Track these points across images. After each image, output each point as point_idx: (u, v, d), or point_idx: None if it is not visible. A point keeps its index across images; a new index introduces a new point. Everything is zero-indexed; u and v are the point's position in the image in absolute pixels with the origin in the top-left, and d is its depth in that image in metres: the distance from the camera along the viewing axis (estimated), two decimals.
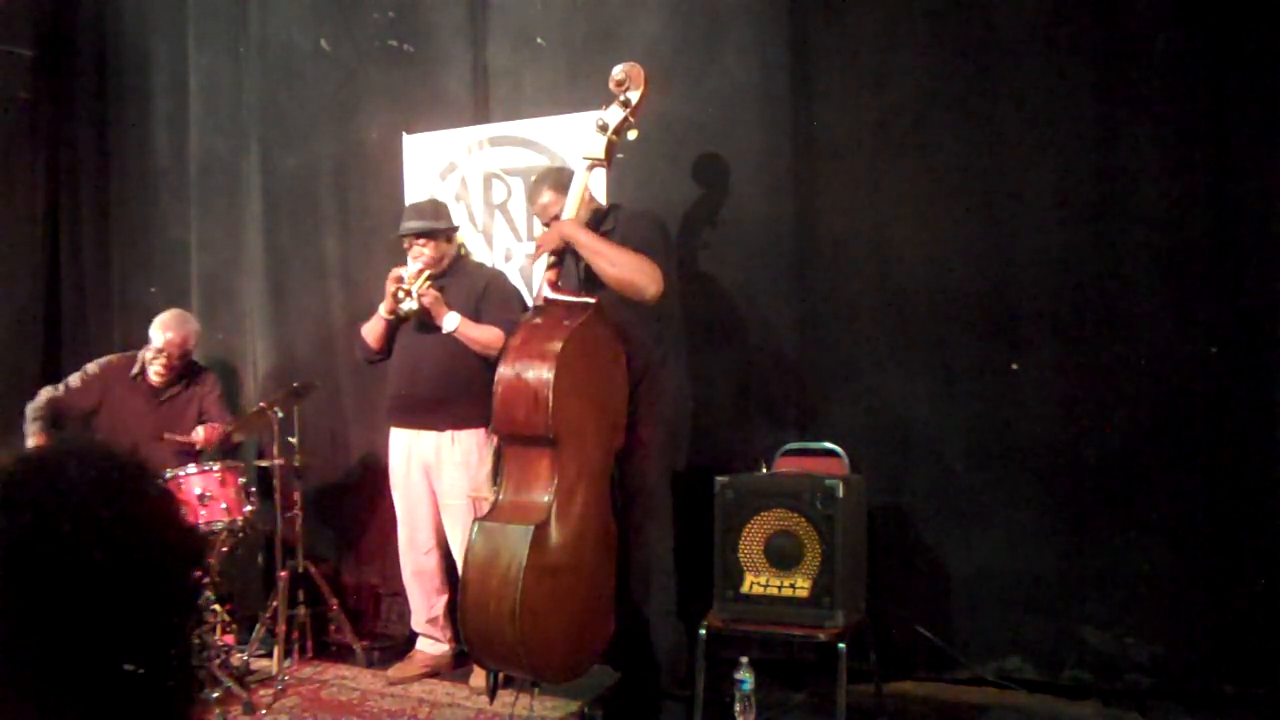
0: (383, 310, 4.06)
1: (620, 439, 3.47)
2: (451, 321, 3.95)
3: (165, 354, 4.48)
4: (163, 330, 4.50)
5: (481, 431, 4.02)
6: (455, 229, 4.19)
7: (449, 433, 4.04)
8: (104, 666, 1.02)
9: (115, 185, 5.66)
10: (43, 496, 1.03)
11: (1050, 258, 3.66)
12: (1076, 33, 3.61)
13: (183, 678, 1.09)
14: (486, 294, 4.06)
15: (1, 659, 1.01)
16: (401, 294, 3.96)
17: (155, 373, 4.51)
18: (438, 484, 4.09)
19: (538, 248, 3.56)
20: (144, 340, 4.65)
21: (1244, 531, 3.46)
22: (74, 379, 4.58)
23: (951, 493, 3.80)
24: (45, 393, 4.52)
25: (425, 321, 4.00)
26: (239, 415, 4.65)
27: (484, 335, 3.95)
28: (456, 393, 4.00)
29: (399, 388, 4.14)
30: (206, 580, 3.87)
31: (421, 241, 4.03)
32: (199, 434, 4.45)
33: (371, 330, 4.15)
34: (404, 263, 4.08)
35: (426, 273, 4.00)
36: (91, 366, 4.61)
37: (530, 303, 4.33)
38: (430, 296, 3.94)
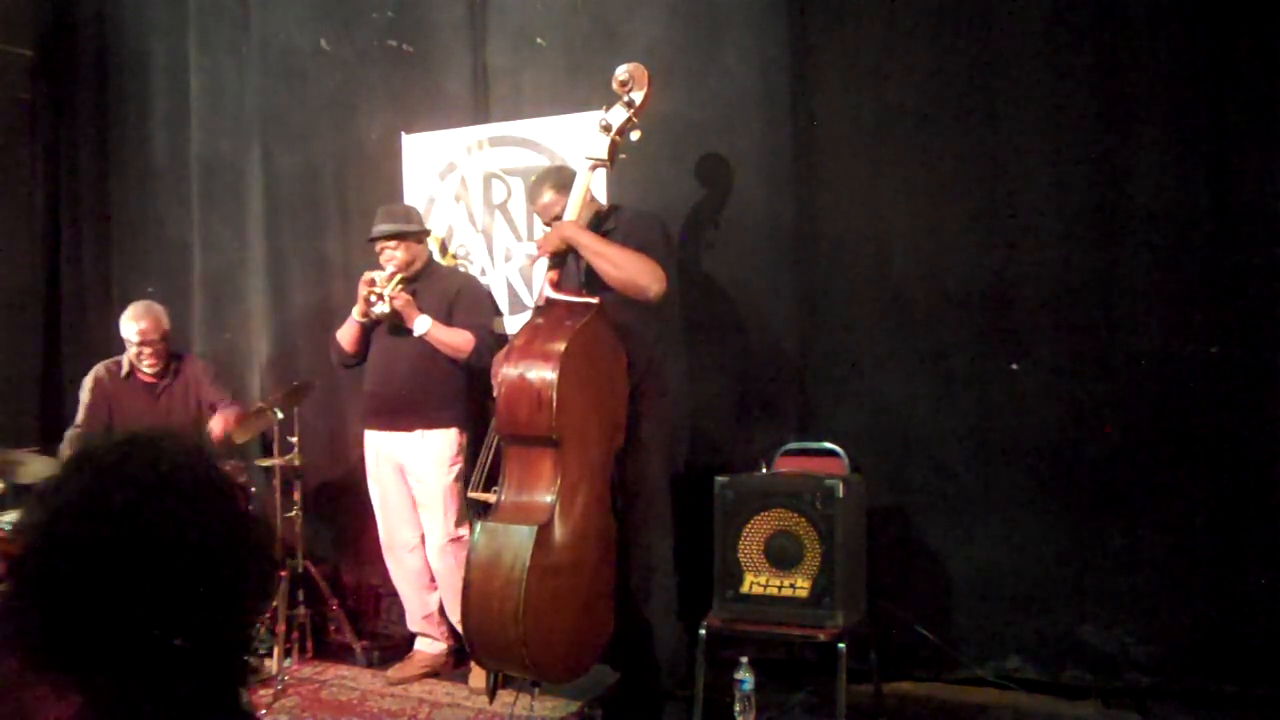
0: (355, 314, 4.10)
1: (620, 439, 3.47)
2: (422, 325, 3.99)
3: (146, 344, 4.45)
4: (134, 322, 4.45)
5: (454, 431, 4.05)
6: (427, 232, 4.25)
7: (419, 432, 4.06)
8: (168, 639, 1.06)
9: (115, 185, 5.65)
10: (144, 473, 1.08)
11: (1050, 258, 3.66)
12: (1076, 33, 3.62)
13: (239, 661, 1.15)
14: (458, 298, 4.10)
15: (80, 624, 1.04)
16: (374, 297, 4.00)
17: (147, 365, 4.48)
18: (412, 483, 4.12)
19: (539, 249, 3.57)
20: None
21: (1244, 531, 3.46)
22: (80, 410, 4.52)
23: (951, 493, 3.80)
24: (70, 435, 4.47)
25: (397, 324, 4.04)
26: (242, 402, 4.65)
27: (453, 338, 3.99)
28: (428, 394, 4.05)
29: (372, 388, 4.18)
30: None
31: (393, 244, 4.07)
32: (215, 427, 4.39)
33: (345, 334, 4.17)
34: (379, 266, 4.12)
35: (398, 276, 4.04)
36: (85, 393, 4.54)
37: (505, 307, 4.41)
38: (402, 300, 3.99)
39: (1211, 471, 3.50)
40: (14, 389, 5.51)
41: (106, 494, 1.06)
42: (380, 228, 4.10)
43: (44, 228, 5.73)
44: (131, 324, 4.46)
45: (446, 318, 4.04)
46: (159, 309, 4.54)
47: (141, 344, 4.45)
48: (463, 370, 4.04)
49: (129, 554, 1.04)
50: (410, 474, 4.11)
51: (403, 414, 4.07)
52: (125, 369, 4.55)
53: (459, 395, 4.08)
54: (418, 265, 4.13)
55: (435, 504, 4.06)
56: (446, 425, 4.07)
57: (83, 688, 1.04)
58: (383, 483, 4.18)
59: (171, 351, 4.62)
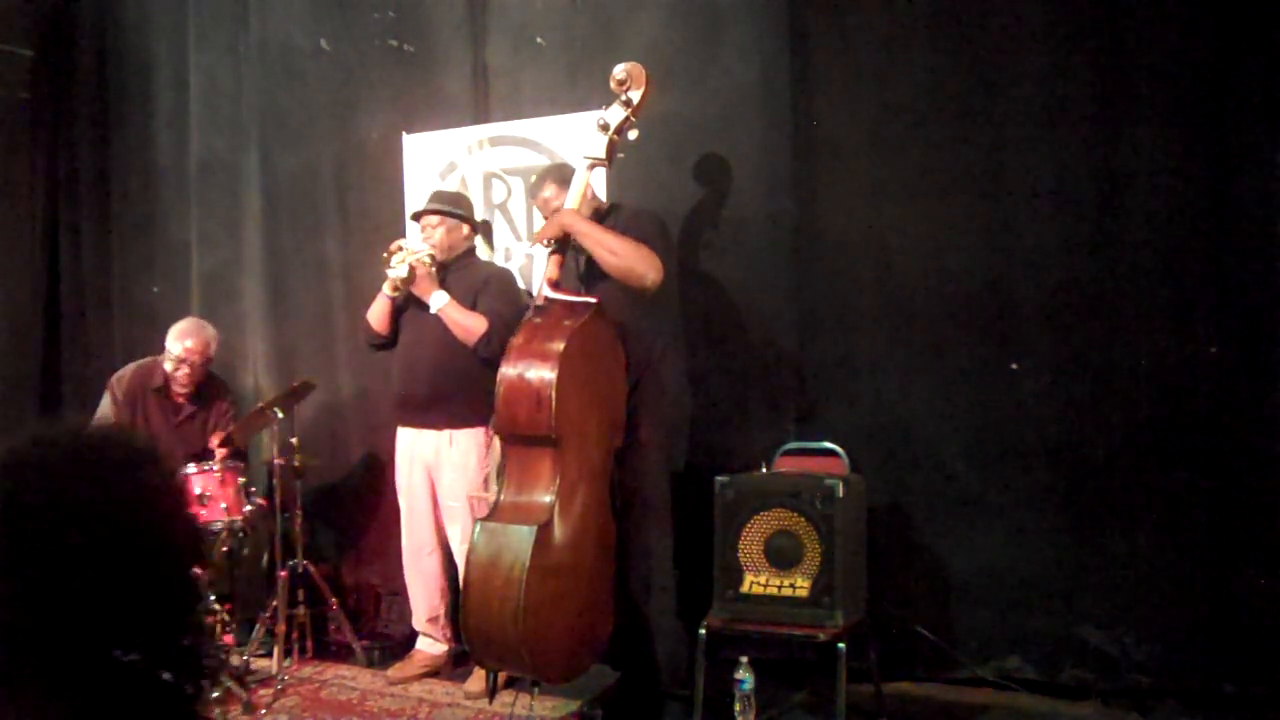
0: (386, 288, 4.03)
1: (620, 438, 3.47)
2: (439, 299, 3.93)
3: (187, 363, 4.35)
4: (180, 339, 4.35)
5: (481, 431, 4.02)
6: (472, 223, 4.17)
7: (448, 432, 4.03)
8: (97, 655, 1.03)
9: (115, 185, 5.65)
10: (57, 470, 1.06)
11: (1050, 257, 3.66)
12: (1076, 33, 3.61)
13: (188, 669, 1.09)
14: (485, 286, 4.04)
15: (12, 636, 1.02)
16: (396, 262, 3.92)
17: (179, 383, 4.38)
18: (438, 485, 4.10)
19: (538, 237, 3.57)
20: (143, 340, 4.61)
21: (1244, 532, 3.46)
22: (109, 406, 4.40)
23: (951, 493, 3.80)
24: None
25: (421, 304, 3.98)
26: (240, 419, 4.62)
27: (467, 320, 3.91)
28: (453, 390, 3.99)
29: (400, 386, 4.14)
30: (204, 575, 3.83)
31: (435, 222, 4.04)
32: (216, 445, 4.36)
33: (375, 311, 4.12)
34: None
35: (429, 252, 3.98)
36: (118, 391, 4.41)
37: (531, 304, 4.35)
38: (424, 269, 3.92)
39: (1211, 472, 3.50)
40: (14, 389, 5.51)
41: (19, 492, 1.03)
42: (426, 205, 4.10)
43: (44, 228, 5.72)
44: (178, 341, 4.36)
45: (471, 306, 3.97)
46: (211, 331, 4.45)
47: (182, 360, 4.34)
48: (488, 367, 3.88)
49: (47, 555, 1.01)
50: (437, 475, 4.08)
51: (430, 412, 4.04)
52: (160, 380, 4.41)
53: (484, 392, 3.87)
54: (455, 253, 4.07)
55: (459, 509, 4.01)
56: (474, 425, 4.01)
57: (31, 708, 1.02)
58: (411, 481, 4.14)
59: (210, 378, 4.50)
